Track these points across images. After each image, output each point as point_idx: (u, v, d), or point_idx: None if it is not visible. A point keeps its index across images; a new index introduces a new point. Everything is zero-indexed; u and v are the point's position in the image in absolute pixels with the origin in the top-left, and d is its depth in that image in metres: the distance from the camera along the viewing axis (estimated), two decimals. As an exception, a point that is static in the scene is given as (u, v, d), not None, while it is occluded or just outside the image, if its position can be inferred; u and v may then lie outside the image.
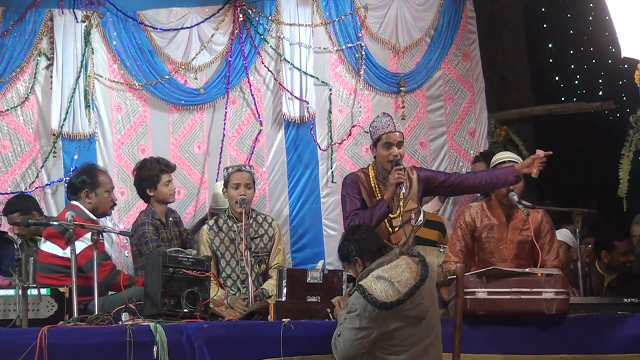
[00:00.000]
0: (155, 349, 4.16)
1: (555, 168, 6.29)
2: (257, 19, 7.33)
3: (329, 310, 4.64)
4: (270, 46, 7.37)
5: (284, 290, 4.75)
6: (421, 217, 5.27)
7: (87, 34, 6.91)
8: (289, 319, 4.48)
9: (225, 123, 7.23)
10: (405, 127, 7.53)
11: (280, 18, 7.39)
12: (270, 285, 5.50)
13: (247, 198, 5.61)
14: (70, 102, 6.82)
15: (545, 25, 11.33)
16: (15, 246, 5.20)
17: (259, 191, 6.94)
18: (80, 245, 4.77)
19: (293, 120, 7.33)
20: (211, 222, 5.77)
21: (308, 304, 4.73)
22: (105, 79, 7.00)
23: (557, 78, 11.69)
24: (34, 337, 4.00)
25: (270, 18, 7.36)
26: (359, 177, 5.26)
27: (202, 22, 7.23)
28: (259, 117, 7.30)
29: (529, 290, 4.79)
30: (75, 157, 6.83)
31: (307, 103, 7.31)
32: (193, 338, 4.25)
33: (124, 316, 4.45)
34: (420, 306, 4.17)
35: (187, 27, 7.19)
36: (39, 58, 6.87)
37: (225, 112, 7.24)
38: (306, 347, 4.45)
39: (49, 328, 4.09)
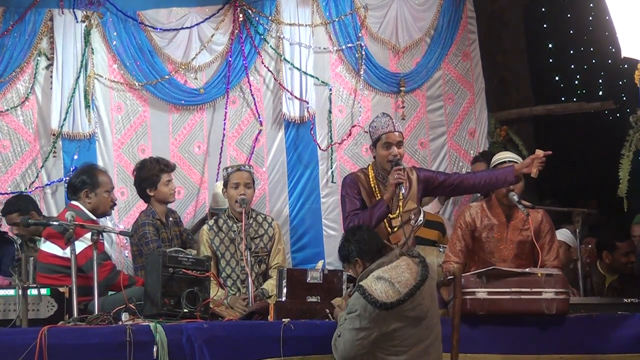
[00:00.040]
0: (155, 349, 4.16)
1: (555, 168, 6.29)
2: (257, 19, 7.33)
3: (327, 310, 4.64)
4: (270, 46, 7.37)
5: (284, 290, 4.75)
6: (421, 217, 5.27)
7: (87, 34, 6.91)
8: (289, 319, 4.48)
9: (225, 123, 7.23)
10: (405, 127, 7.53)
11: (280, 18, 7.39)
12: (270, 285, 5.49)
13: (246, 198, 5.61)
14: (70, 102, 6.82)
15: (545, 25, 11.33)
16: (15, 246, 5.21)
17: (259, 191, 6.94)
18: (80, 245, 4.77)
19: (293, 120, 7.33)
20: (211, 222, 5.77)
21: (308, 304, 4.73)
22: (105, 79, 7.00)
23: (557, 78, 11.68)
24: (34, 337, 4.00)
25: (270, 18, 7.36)
26: (359, 177, 5.26)
27: (202, 22, 7.23)
28: (259, 117, 7.30)
29: (529, 290, 4.79)
30: (75, 157, 6.83)
31: (307, 103, 7.32)
32: (193, 338, 4.25)
33: (124, 316, 4.45)
34: (420, 307, 4.16)
35: (187, 27, 7.19)
36: (39, 58, 6.87)
37: (225, 112, 7.24)
38: (306, 347, 4.45)
39: (49, 328, 4.09)
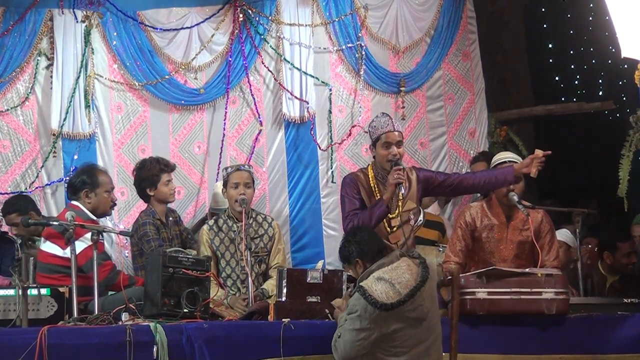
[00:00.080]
0: (155, 349, 4.16)
1: (555, 168, 6.29)
2: (257, 19, 7.33)
3: (327, 311, 4.64)
4: (270, 46, 7.37)
5: (284, 290, 4.75)
6: (421, 217, 5.27)
7: (87, 34, 6.91)
8: (289, 319, 4.48)
9: (225, 123, 7.23)
10: (405, 127, 7.53)
11: (280, 18, 7.39)
12: (270, 285, 5.49)
13: (246, 197, 5.61)
14: (70, 102, 6.82)
15: (545, 25, 11.33)
16: (16, 246, 5.20)
17: (259, 191, 6.94)
18: (80, 245, 4.77)
19: (293, 120, 7.33)
20: (211, 222, 5.77)
21: (308, 304, 4.73)
22: (105, 79, 7.00)
23: (557, 78, 11.69)
24: (34, 337, 4.00)
25: (270, 18, 7.36)
26: (358, 177, 5.26)
27: (202, 22, 7.23)
28: (259, 117, 7.30)
29: (529, 290, 4.79)
30: (75, 157, 6.83)
31: (307, 103, 7.31)
32: (193, 338, 4.25)
33: (124, 316, 4.44)
34: (420, 307, 4.16)
35: (187, 27, 7.19)
36: (39, 58, 6.87)
37: (225, 112, 7.24)
38: (306, 347, 4.45)
39: (49, 328, 4.08)
